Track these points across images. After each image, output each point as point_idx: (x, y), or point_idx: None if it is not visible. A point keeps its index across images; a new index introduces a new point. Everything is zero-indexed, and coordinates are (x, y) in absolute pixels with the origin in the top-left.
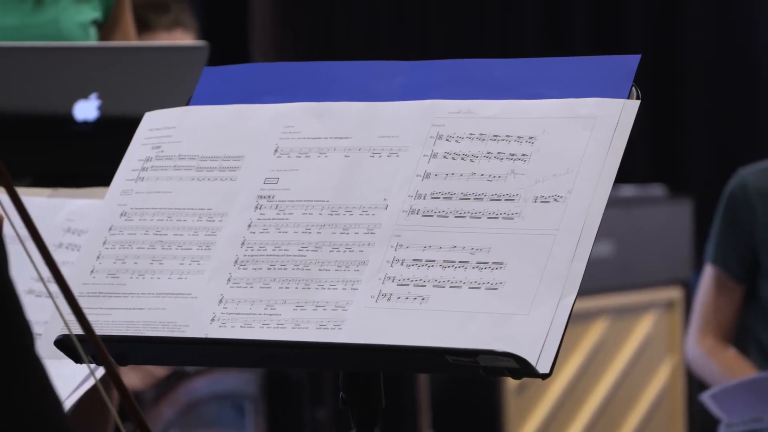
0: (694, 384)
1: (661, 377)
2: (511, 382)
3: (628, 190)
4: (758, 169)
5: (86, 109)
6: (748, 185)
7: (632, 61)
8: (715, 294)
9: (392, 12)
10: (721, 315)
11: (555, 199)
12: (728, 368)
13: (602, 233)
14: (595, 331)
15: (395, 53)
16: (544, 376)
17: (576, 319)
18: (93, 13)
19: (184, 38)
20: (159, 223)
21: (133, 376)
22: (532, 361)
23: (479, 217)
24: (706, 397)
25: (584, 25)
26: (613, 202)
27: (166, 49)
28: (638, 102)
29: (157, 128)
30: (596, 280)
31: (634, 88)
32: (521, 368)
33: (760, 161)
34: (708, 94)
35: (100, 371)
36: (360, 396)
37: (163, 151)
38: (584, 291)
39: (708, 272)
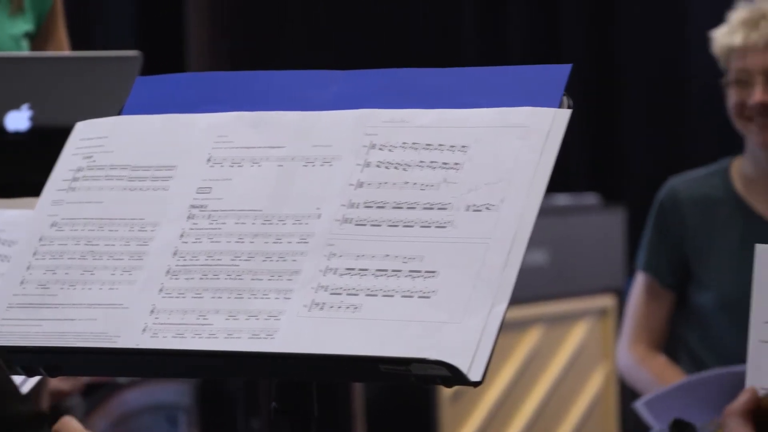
0: (627, 391)
1: (595, 384)
2: (446, 390)
3: (563, 199)
4: (688, 178)
5: (18, 120)
6: (678, 194)
7: (564, 70)
8: (646, 301)
9: (329, 20)
10: (652, 322)
11: (487, 208)
12: (659, 375)
13: (536, 241)
14: (530, 339)
15: (332, 61)
16: (476, 384)
17: (510, 327)
18: (25, 25)
19: None
20: (90, 233)
21: (58, 380)
22: (464, 369)
23: (412, 226)
24: (639, 405)
25: (521, 34)
26: (547, 211)
27: (98, 59)
28: (569, 111)
29: (89, 138)
30: (530, 288)
31: (565, 97)
32: (453, 376)
33: (691, 170)
34: (642, 104)
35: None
36: (293, 405)
37: (94, 161)
38: (519, 299)
39: (639, 280)
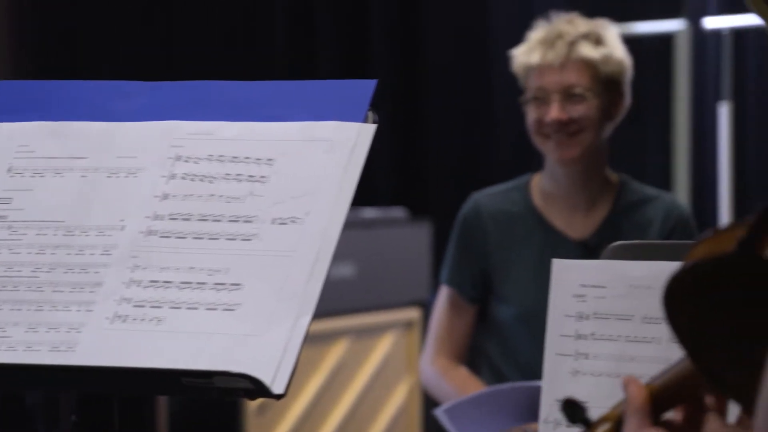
0: (430, 403)
1: (399, 396)
2: (252, 402)
3: (369, 212)
4: (491, 192)
5: None
6: (480, 208)
7: (369, 85)
8: (449, 315)
9: (134, 34)
10: (454, 335)
11: (293, 221)
12: (460, 387)
13: (343, 254)
14: (336, 352)
15: (138, 75)
16: (279, 397)
17: (317, 340)
18: None
19: None
20: None
21: None
22: (267, 382)
23: (217, 239)
24: (439, 413)
25: (331, 50)
26: (354, 224)
27: None
28: (374, 126)
29: None
30: (337, 301)
31: (370, 112)
32: (256, 389)
33: (494, 186)
34: (448, 119)
35: None
36: (94, 418)
37: None
38: (325, 312)
39: (443, 293)
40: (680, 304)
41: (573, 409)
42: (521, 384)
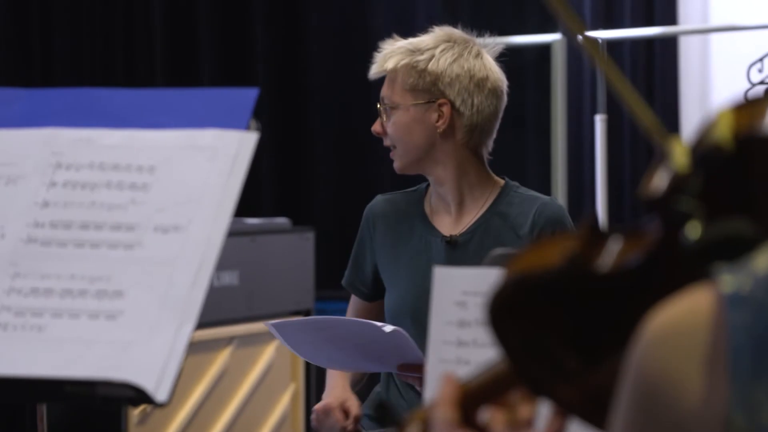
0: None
1: (283, 404)
2: (134, 410)
3: (253, 221)
4: (391, 195)
5: None
6: (375, 209)
7: (250, 94)
8: (351, 312)
9: (8, 38)
10: None
11: (175, 229)
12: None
13: (227, 263)
14: (220, 360)
15: (15, 82)
16: (162, 405)
17: (201, 348)
18: None
19: None
20: None
21: None
22: (150, 390)
23: (99, 247)
24: (269, 324)
25: (212, 58)
26: (238, 232)
27: None
28: (256, 134)
29: None
30: (221, 310)
31: (252, 120)
32: (139, 397)
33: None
34: (331, 130)
35: None
36: None
37: None
38: (210, 320)
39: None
40: (505, 318)
41: (384, 411)
42: (361, 321)
